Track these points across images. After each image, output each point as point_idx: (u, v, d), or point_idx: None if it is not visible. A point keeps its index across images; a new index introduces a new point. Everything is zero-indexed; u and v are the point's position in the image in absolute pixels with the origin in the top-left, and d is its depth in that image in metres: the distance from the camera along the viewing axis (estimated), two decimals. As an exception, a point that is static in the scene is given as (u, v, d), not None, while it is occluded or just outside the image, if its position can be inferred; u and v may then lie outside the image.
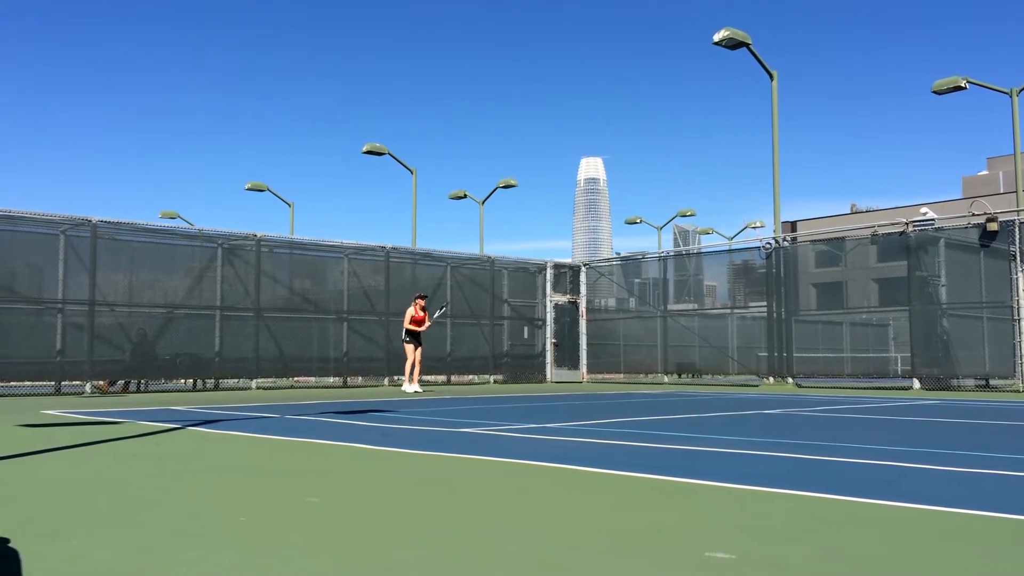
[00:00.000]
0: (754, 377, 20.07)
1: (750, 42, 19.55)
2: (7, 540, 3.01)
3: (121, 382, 16.90)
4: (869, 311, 23.19)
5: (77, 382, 15.98)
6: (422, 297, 17.47)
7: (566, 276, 23.99)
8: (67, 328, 15.88)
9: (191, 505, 3.83)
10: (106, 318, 16.38)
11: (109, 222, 16.53)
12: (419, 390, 16.67)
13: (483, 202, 32.32)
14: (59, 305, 15.84)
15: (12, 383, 15.70)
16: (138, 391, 16.83)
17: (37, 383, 16.14)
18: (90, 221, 16.21)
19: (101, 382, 16.27)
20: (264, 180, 32.64)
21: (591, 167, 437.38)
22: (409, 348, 17.06)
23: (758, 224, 44.41)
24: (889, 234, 18.48)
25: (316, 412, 10.10)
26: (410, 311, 17.31)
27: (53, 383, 15.95)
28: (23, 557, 2.77)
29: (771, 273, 19.81)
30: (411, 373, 16.99)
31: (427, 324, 17.37)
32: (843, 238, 20.66)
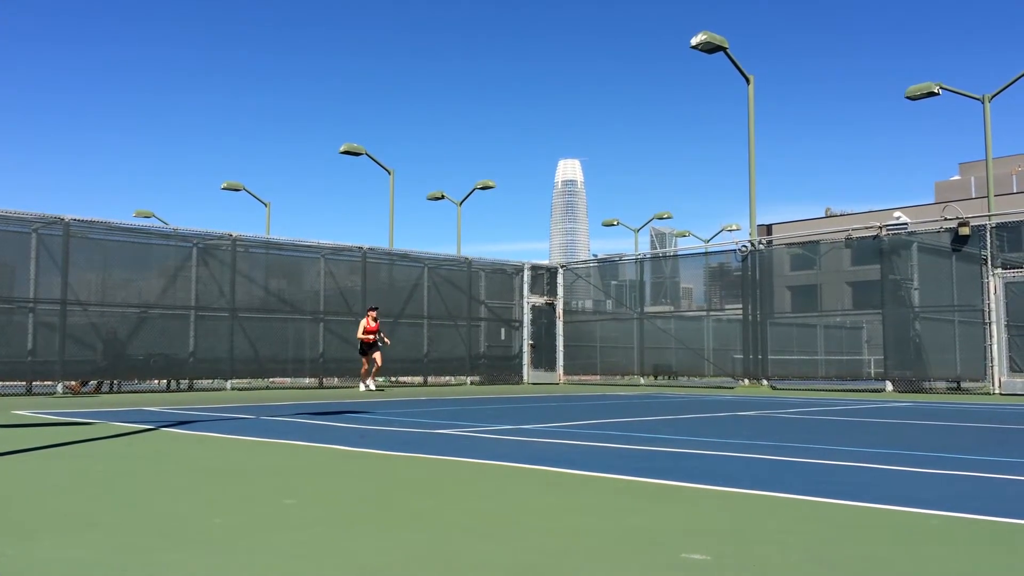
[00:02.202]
0: (729, 379, 20.19)
1: (727, 46, 19.67)
2: (-22, 543, 2.96)
3: (93, 382, 16.71)
4: (843, 314, 23.44)
5: (49, 382, 15.78)
6: (374, 309, 17.81)
7: (543, 278, 24.02)
8: (38, 328, 15.67)
9: (165, 507, 3.79)
10: (78, 318, 16.18)
11: (82, 221, 16.34)
12: (372, 388, 17.07)
13: (461, 203, 32.29)
14: (30, 304, 15.64)
15: (-18, 383, 15.47)
16: (111, 391, 16.65)
17: (8, 383, 15.90)
18: (63, 219, 16.02)
19: (73, 382, 16.08)
20: (240, 179, 32.45)
21: (569, 169, 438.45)
22: (365, 360, 17.59)
23: (734, 227, 44.69)
24: (863, 238, 18.66)
25: (292, 413, 10.04)
26: (363, 322, 17.68)
27: (24, 383, 15.73)
28: (-6, 560, 2.73)
29: (747, 276, 19.94)
30: (367, 374, 17.44)
31: (378, 337, 17.54)
32: (818, 242, 20.83)
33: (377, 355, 17.50)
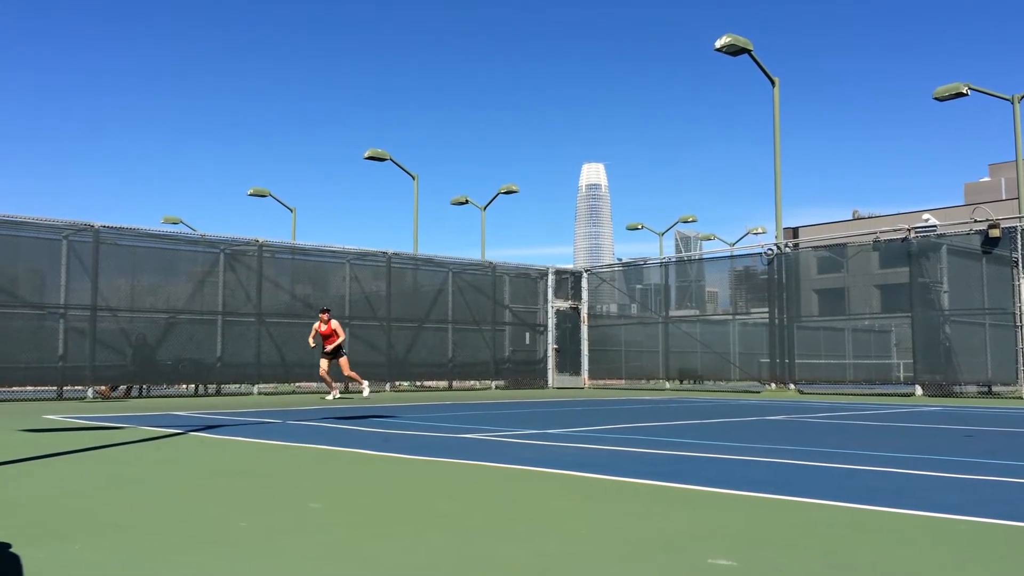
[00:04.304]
0: (756, 383, 20.06)
1: (752, 48, 19.58)
2: (8, 545, 3.01)
3: (123, 387, 16.91)
4: (871, 317, 23.17)
5: (79, 387, 15.99)
6: (324, 311, 16.01)
7: (568, 282, 24.00)
8: (69, 333, 15.89)
9: (192, 510, 3.83)
10: (108, 323, 16.39)
11: (112, 227, 16.56)
12: (336, 396, 15.46)
13: (485, 208, 32.36)
14: (61, 310, 15.86)
15: (14, 388, 15.71)
16: (140, 396, 16.84)
17: (39, 388, 16.16)
18: (92, 226, 16.24)
19: (103, 387, 16.29)
20: (266, 185, 32.69)
21: (592, 173, 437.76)
22: (322, 363, 15.94)
23: (760, 230, 44.42)
24: (891, 240, 18.48)
25: (318, 418, 10.10)
26: (314, 326, 16.09)
27: (55, 388, 15.96)
28: (24, 562, 2.78)
29: (773, 279, 19.81)
30: (330, 382, 15.92)
31: (337, 340, 15.88)
32: (845, 244, 20.65)
33: (343, 361, 15.93)
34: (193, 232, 21.97)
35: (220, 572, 2.70)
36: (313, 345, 16.16)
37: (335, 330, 16.00)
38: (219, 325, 17.71)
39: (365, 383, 16.23)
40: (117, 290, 16.67)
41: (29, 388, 16.13)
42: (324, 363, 15.96)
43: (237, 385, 18.19)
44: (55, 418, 10.08)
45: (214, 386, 17.99)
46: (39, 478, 4.90)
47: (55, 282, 15.94)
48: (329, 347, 15.91)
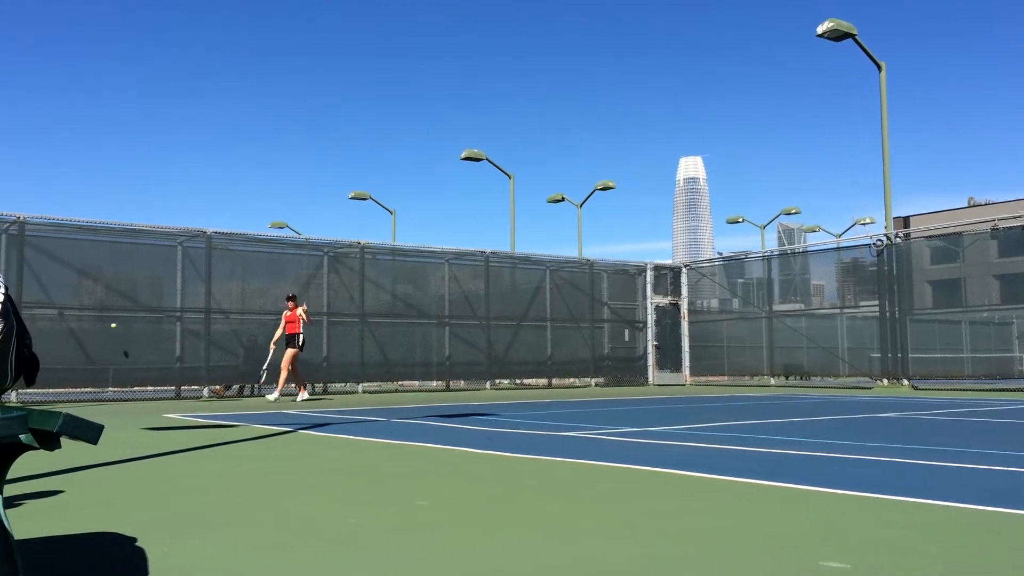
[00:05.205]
0: (866, 379, 19.36)
1: (856, 33, 18.92)
2: (135, 539, 3.17)
3: (236, 386, 17.57)
4: (990, 309, 22.07)
5: (195, 387, 16.70)
6: (290, 298, 15.39)
7: (667, 277, 23.69)
8: (185, 335, 16.61)
9: (303, 506, 3.95)
10: (221, 325, 17.06)
11: (222, 233, 17.22)
12: (278, 398, 14.57)
13: (581, 205, 32.28)
14: (178, 313, 16.59)
15: (136, 388, 16.53)
16: (252, 395, 17.46)
17: (159, 388, 16.95)
18: (205, 232, 16.93)
19: (218, 386, 16.96)
20: (367, 189, 33.39)
21: (690, 166, 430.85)
22: (288, 353, 15.11)
23: (868, 220, 42.86)
24: (1010, 228, 17.54)
25: (421, 416, 10.27)
26: (284, 313, 15.41)
27: (173, 388, 16.71)
28: (149, 555, 2.92)
29: (883, 271, 19.08)
30: (284, 381, 15.09)
31: (295, 330, 15.08)
32: (960, 233, 19.74)
33: (287, 355, 15.00)
34: (298, 236, 22.64)
35: (332, 567, 2.77)
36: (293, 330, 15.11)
37: (300, 316, 15.04)
38: (324, 326, 18.19)
39: (276, 393, 14.84)
40: (228, 293, 17.33)
41: (150, 388, 16.94)
42: (288, 356, 15.08)
43: (342, 384, 18.66)
44: (174, 416, 10.56)
45: (320, 385, 18.50)
46: (160, 475, 5.13)
47: (172, 287, 16.69)
48: (291, 333, 14.99)
